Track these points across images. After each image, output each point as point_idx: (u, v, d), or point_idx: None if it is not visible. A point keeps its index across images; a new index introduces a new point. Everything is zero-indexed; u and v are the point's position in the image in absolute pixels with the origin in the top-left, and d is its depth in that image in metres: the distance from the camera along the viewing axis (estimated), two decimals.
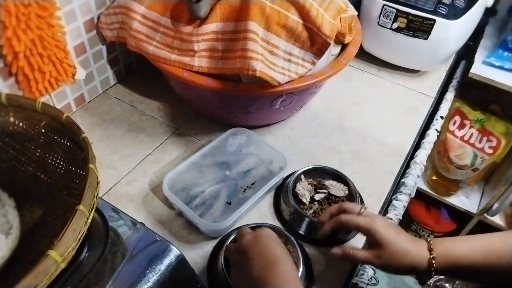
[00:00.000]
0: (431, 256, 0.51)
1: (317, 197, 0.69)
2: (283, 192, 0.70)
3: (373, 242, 0.54)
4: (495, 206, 1.29)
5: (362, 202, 0.72)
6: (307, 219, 0.66)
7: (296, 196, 0.69)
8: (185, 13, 0.70)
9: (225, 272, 0.56)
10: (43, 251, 0.42)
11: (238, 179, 0.71)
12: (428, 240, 0.53)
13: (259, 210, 0.71)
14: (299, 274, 0.57)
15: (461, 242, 0.52)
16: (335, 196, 0.70)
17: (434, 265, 0.50)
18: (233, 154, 0.76)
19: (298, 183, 0.71)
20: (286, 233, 0.63)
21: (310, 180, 0.73)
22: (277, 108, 0.78)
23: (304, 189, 0.70)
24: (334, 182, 0.71)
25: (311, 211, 0.68)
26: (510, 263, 0.48)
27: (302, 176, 0.72)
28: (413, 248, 0.52)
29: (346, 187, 0.71)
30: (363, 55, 1.09)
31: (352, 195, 0.70)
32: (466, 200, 1.42)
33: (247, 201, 0.66)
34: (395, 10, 0.96)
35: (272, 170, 0.73)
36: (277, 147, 0.77)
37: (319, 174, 0.74)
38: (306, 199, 0.69)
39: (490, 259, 0.49)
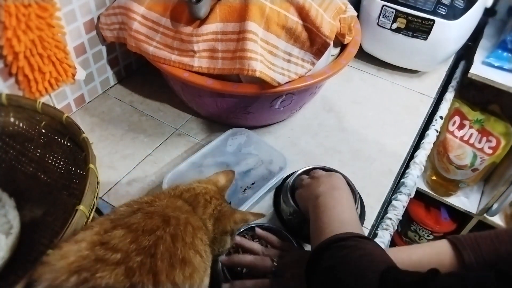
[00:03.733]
0: None
1: None
2: (282, 192, 0.71)
3: None
4: (495, 206, 1.29)
5: (362, 202, 0.72)
6: (307, 219, 0.66)
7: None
8: (185, 14, 0.70)
9: (225, 272, 0.56)
10: (43, 251, 0.42)
11: (238, 179, 0.71)
12: None
13: (259, 210, 0.71)
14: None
15: None
16: None
17: None
18: (233, 154, 0.76)
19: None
20: (286, 233, 0.63)
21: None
22: (277, 109, 0.78)
23: None
24: None
25: None
26: None
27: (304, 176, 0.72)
28: None
29: None
30: (363, 56, 1.09)
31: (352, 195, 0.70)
32: (466, 200, 1.42)
33: (247, 201, 0.66)
34: (394, 11, 0.96)
35: (272, 170, 0.73)
36: (277, 147, 0.77)
37: None
38: None
39: None
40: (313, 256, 0.47)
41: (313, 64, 0.72)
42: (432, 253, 0.53)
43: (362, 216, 0.70)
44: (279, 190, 0.73)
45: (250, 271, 0.58)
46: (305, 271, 0.47)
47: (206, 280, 0.46)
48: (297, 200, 0.65)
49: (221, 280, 0.57)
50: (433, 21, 0.93)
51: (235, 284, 0.55)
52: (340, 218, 0.51)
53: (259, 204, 0.72)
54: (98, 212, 0.64)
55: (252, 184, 0.71)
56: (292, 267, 0.55)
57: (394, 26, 0.98)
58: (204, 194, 0.52)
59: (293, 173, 0.72)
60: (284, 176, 0.74)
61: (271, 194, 0.73)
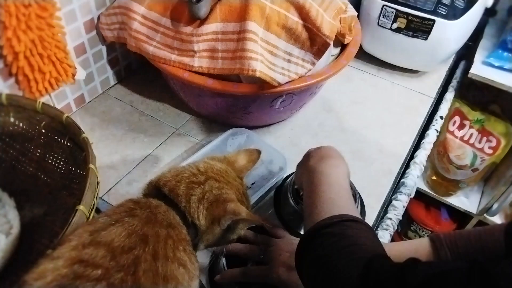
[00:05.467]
0: None
1: None
2: (282, 192, 0.71)
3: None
4: (495, 206, 1.29)
5: (362, 202, 0.72)
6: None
7: (295, 196, 0.69)
8: (185, 14, 0.70)
9: (223, 265, 0.57)
10: (43, 251, 0.42)
11: None
12: None
13: (259, 210, 0.71)
14: None
15: None
16: None
17: None
18: None
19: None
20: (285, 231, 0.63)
21: None
22: (277, 108, 0.78)
23: None
24: None
25: None
26: None
27: None
28: None
29: None
30: (363, 56, 1.09)
31: (352, 195, 0.70)
32: (466, 200, 1.42)
33: None
34: (394, 11, 0.96)
35: (272, 170, 0.73)
36: (277, 147, 0.77)
37: None
38: None
39: None
40: (301, 245, 0.46)
41: (313, 64, 0.72)
42: (411, 249, 0.53)
43: (362, 216, 0.70)
44: (279, 190, 0.72)
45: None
46: (296, 260, 0.46)
47: (194, 284, 0.45)
48: (295, 179, 0.65)
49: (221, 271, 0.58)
50: (433, 21, 0.93)
51: (224, 273, 0.56)
52: (327, 196, 0.49)
53: (259, 204, 0.72)
54: (98, 212, 0.64)
55: (252, 184, 0.71)
56: (279, 255, 0.56)
57: (394, 26, 0.97)
58: (194, 175, 0.48)
59: (293, 173, 0.72)
60: (284, 176, 0.73)
61: (271, 194, 0.73)
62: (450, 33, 0.95)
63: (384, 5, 0.96)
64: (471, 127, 1.30)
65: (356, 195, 0.69)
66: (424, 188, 1.44)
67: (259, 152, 0.58)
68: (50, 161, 0.63)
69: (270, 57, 0.69)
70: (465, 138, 1.30)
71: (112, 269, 0.37)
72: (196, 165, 0.51)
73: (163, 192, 0.48)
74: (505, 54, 1.08)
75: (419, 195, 1.43)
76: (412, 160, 0.90)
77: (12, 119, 0.64)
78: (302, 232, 0.66)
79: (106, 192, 0.72)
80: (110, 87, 0.93)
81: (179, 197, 0.47)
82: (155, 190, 0.49)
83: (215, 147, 0.75)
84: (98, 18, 0.81)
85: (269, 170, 0.73)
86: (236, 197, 0.50)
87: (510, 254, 0.45)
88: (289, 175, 0.72)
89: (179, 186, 0.47)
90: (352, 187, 0.70)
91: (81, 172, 0.59)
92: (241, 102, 0.75)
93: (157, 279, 0.39)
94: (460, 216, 1.46)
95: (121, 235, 0.40)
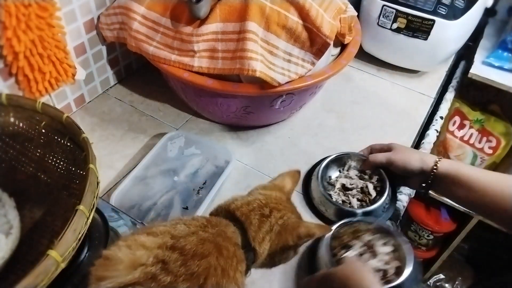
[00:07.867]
0: (438, 159, 0.59)
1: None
2: (313, 178, 0.72)
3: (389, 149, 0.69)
4: None
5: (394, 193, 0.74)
6: (334, 206, 0.68)
7: (325, 184, 0.72)
8: (185, 14, 0.70)
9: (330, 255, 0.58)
10: (43, 251, 0.42)
11: (188, 182, 0.70)
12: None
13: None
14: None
15: (470, 166, 0.58)
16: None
17: (438, 165, 0.59)
18: (176, 159, 0.74)
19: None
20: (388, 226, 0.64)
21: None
22: (277, 108, 0.78)
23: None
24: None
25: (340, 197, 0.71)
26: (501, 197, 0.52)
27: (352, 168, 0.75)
28: (422, 152, 0.62)
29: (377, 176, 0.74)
30: (363, 56, 1.09)
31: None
32: None
33: (204, 201, 0.65)
34: (394, 11, 0.96)
35: (219, 165, 0.72)
36: (277, 147, 0.77)
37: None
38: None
39: (488, 182, 0.54)
40: None
41: (313, 64, 0.72)
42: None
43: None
44: (309, 176, 0.74)
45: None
46: None
47: None
48: None
49: (329, 259, 0.57)
50: (433, 21, 0.93)
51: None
52: None
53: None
54: (98, 212, 0.64)
55: (204, 183, 0.69)
56: None
57: (394, 26, 0.97)
58: (261, 208, 0.50)
59: (323, 159, 0.74)
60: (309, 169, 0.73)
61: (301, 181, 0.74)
62: (450, 33, 0.95)
63: (384, 5, 0.96)
64: (471, 127, 1.30)
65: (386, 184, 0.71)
66: None
67: (299, 172, 0.60)
68: (50, 161, 0.63)
69: (270, 57, 0.69)
70: (465, 138, 1.30)
71: (180, 277, 0.38)
72: (258, 197, 0.52)
73: (235, 216, 0.50)
74: (505, 54, 1.09)
75: (419, 195, 1.42)
76: None
77: (12, 119, 0.63)
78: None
79: (106, 192, 0.72)
80: (110, 87, 0.93)
81: (252, 225, 0.49)
82: (224, 212, 0.51)
83: (155, 156, 0.73)
84: (98, 18, 0.81)
85: (215, 166, 0.72)
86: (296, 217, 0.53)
87: None
88: (318, 162, 0.75)
89: (252, 215, 0.50)
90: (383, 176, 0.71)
91: (81, 172, 0.59)
92: (241, 102, 0.75)
93: None
94: (460, 216, 1.46)
95: (195, 244, 0.42)
